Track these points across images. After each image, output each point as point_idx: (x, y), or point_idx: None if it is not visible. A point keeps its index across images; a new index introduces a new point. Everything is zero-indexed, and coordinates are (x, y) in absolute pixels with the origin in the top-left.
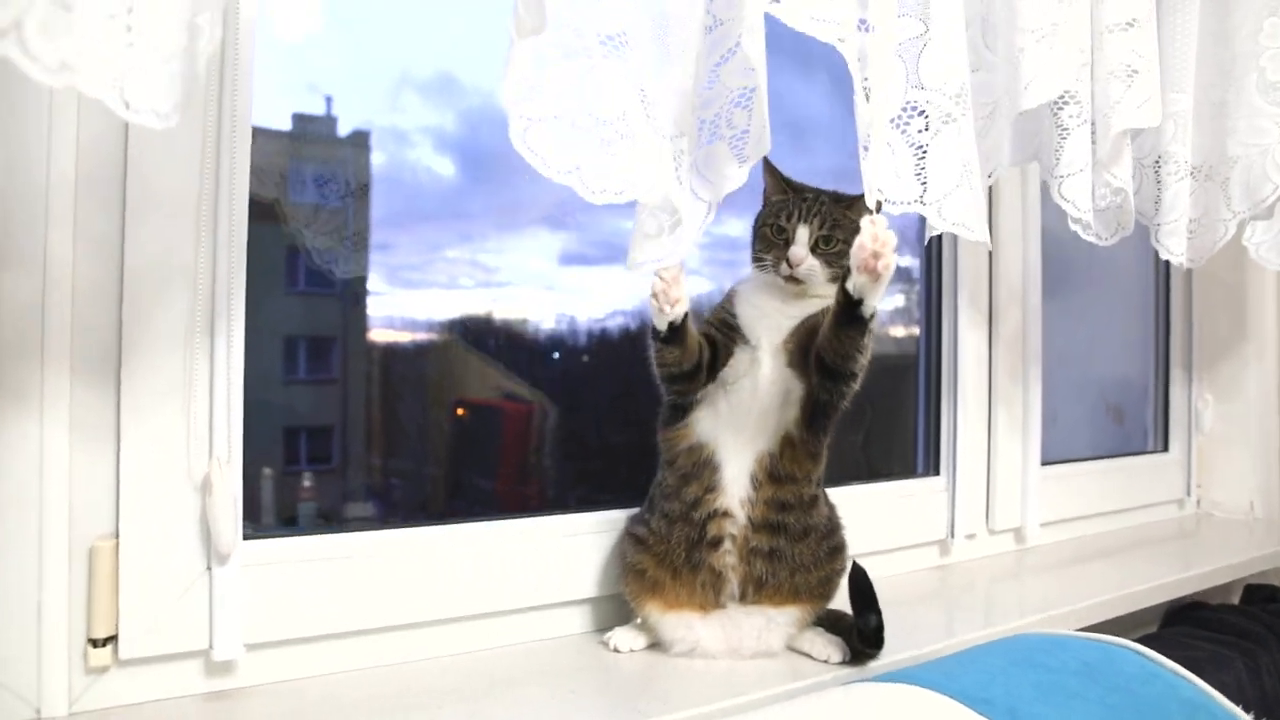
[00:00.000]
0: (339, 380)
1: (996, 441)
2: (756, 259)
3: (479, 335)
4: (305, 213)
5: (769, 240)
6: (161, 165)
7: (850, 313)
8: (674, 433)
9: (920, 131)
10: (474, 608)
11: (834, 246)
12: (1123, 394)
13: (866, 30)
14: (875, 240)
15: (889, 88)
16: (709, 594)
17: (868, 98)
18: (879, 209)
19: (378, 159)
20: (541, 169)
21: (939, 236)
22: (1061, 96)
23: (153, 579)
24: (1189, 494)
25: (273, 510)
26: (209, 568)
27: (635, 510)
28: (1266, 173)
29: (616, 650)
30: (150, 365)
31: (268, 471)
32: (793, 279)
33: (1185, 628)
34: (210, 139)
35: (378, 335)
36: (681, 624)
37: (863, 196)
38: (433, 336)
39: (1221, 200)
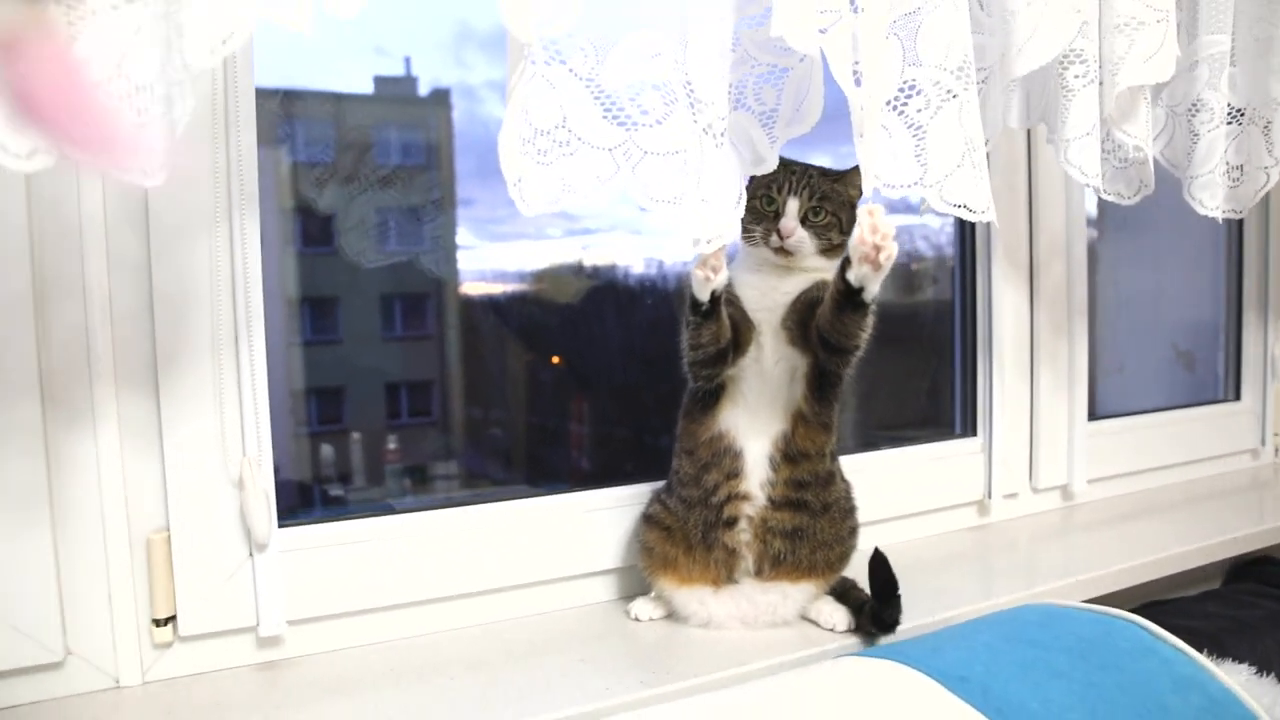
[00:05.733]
0: (435, 336)
1: (1039, 399)
2: (745, 231)
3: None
4: (390, 173)
5: (759, 212)
6: (176, 197)
7: (852, 300)
8: (697, 424)
9: (919, 111)
10: (500, 581)
11: (822, 218)
12: (1194, 339)
13: (856, 11)
14: (875, 232)
15: (884, 69)
16: (721, 571)
17: (858, 82)
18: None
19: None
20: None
21: None
22: (1065, 55)
23: (202, 566)
24: (1264, 443)
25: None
26: (251, 554)
27: (654, 485)
28: None
29: (637, 619)
30: (183, 377)
31: (356, 436)
32: (782, 250)
33: (1249, 584)
34: (220, 171)
35: (470, 289)
36: (694, 599)
37: (852, 169)
38: (523, 287)
39: (1263, 146)
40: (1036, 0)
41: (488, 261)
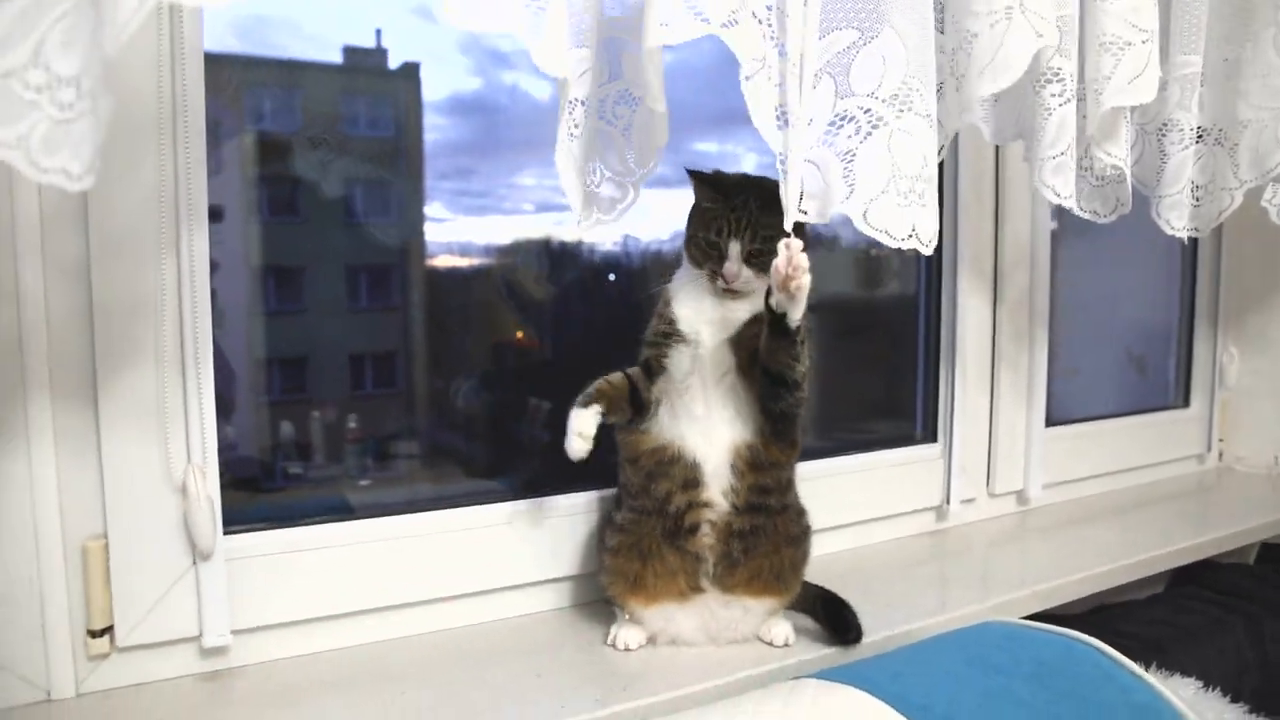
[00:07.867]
0: (399, 308)
1: (999, 406)
2: (692, 260)
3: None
4: (358, 144)
5: (704, 251)
6: (120, 200)
7: (777, 325)
8: (633, 436)
9: (849, 137)
10: (454, 588)
11: (766, 258)
12: (1146, 344)
13: (782, 55)
14: (789, 264)
15: (816, 107)
16: (685, 580)
17: (787, 122)
18: (798, 231)
19: (475, 83)
20: None
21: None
22: (1043, 74)
23: (142, 574)
24: (1209, 449)
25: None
26: (194, 563)
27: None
28: (1279, 138)
29: (620, 647)
30: (124, 384)
31: (316, 414)
32: (730, 290)
33: (1191, 588)
34: (167, 175)
35: (439, 262)
36: (662, 616)
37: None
38: (490, 261)
39: (1229, 167)
40: (1000, 22)
41: (459, 234)
